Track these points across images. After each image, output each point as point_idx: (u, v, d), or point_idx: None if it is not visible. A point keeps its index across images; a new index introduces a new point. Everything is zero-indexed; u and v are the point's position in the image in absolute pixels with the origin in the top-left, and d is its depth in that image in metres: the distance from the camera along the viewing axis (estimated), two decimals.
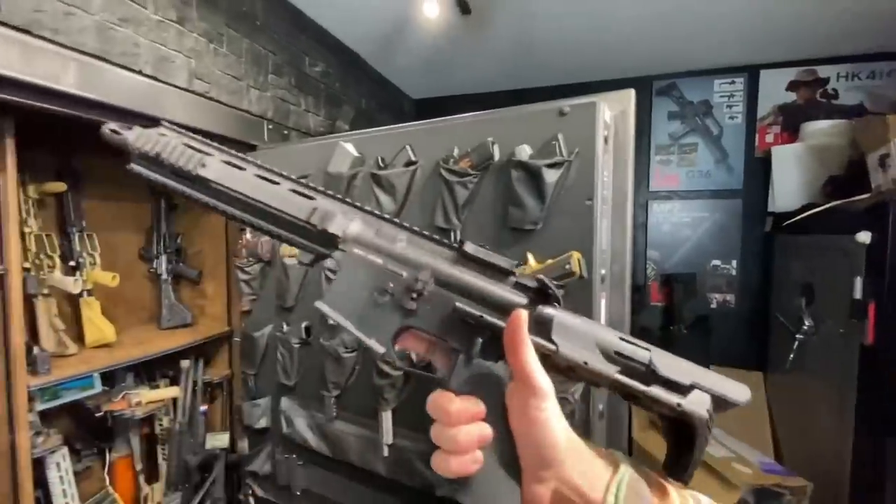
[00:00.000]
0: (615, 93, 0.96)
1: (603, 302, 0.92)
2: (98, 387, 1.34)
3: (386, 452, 1.12)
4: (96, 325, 1.37)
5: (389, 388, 1.10)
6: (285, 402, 1.34)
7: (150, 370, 1.58)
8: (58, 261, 1.31)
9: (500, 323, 0.36)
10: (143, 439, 1.57)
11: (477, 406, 0.35)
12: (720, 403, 0.35)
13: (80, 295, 1.35)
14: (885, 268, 1.44)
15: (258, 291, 1.42)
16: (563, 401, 0.88)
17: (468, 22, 1.96)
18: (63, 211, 1.38)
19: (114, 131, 0.43)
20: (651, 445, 2.01)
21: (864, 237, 1.49)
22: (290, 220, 0.41)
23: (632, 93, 0.95)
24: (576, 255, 0.86)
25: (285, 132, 1.81)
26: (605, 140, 0.91)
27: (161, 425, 1.59)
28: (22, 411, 1.05)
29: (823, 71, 2.37)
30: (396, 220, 0.41)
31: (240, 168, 0.42)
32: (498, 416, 0.35)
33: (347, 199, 0.42)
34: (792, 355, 1.95)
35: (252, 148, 1.57)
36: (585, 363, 0.35)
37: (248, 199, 0.41)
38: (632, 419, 2.15)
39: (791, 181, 2.23)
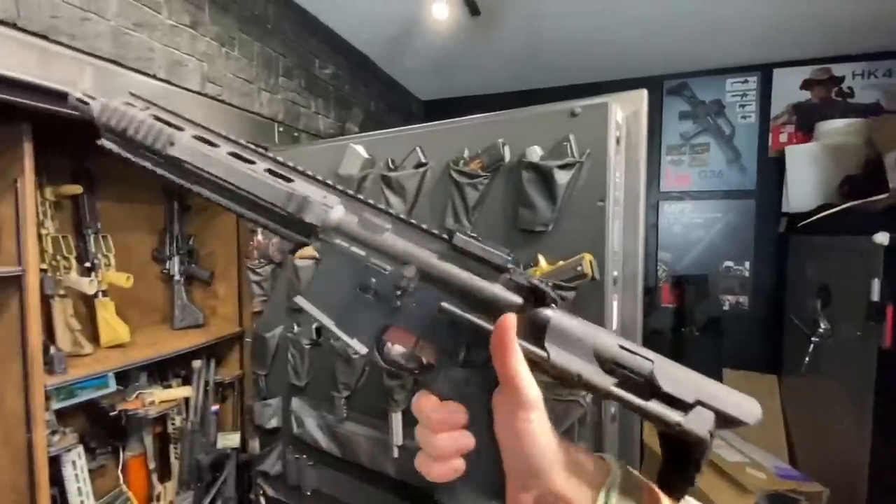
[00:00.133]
0: (627, 93, 0.95)
1: (615, 304, 0.91)
2: (112, 386, 1.36)
3: (396, 454, 1.12)
4: (111, 325, 1.39)
5: (399, 390, 1.10)
6: (296, 403, 1.35)
7: (163, 370, 1.60)
8: (74, 262, 1.33)
9: (488, 326, 0.33)
10: (155, 438, 1.58)
11: (459, 415, 0.33)
12: (727, 421, 0.32)
13: (95, 295, 1.37)
14: None
15: (269, 292, 1.43)
16: (574, 404, 0.87)
17: (477, 23, 1.96)
18: (79, 213, 1.40)
19: (80, 100, 0.39)
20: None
21: (882, 238, 1.46)
22: (265, 205, 0.37)
23: (644, 93, 0.94)
24: (587, 256, 0.85)
25: (295, 134, 1.83)
26: (617, 141, 0.90)
27: (174, 424, 1.60)
28: (39, 410, 1.07)
29: (838, 69, 2.33)
30: (381, 206, 0.37)
31: (212, 144, 0.38)
32: (482, 424, 0.33)
33: (329, 182, 0.38)
34: (807, 358, 1.92)
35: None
36: (579, 376, 0.32)
37: (220, 181, 0.37)
38: (642, 423, 2.13)
39: (806, 181, 2.19)
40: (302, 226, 0.37)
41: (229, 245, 1.75)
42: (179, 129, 0.38)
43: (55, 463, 1.20)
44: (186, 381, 1.62)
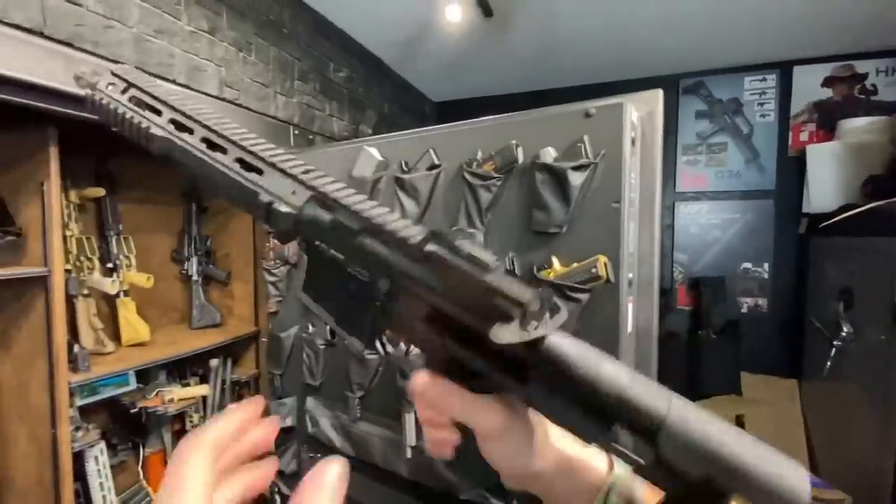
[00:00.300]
0: (642, 93, 0.94)
1: (630, 306, 0.90)
2: (133, 384, 1.39)
3: (409, 454, 1.13)
4: (132, 324, 1.42)
5: None
6: (311, 403, 1.36)
7: (182, 368, 1.63)
8: (97, 263, 1.36)
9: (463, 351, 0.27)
10: (174, 435, 1.62)
11: (443, 418, 0.31)
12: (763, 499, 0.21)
13: (117, 295, 1.41)
14: None
15: (284, 293, 1.45)
16: None
17: (490, 24, 1.96)
18: (101, 215, 1.44)
19: (83, 80, 0.38)
20: None
21: None
22: (240, 201, 0.34)
23: (659, 93, 0.93)
24: (602, 258, 0.85)
25: (310, 137, 1.85)
26: (633, 141, 0.90)
27: (192, 422, 1.63)
28: (64, 406, 1.10)
29: (861, 66, 2.27)
30: (356, 204, 0.32)
31: (188, 130, 0.35)
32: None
33: (302, 173, 0.34)
34: (829, 362, 1.87)
35: None
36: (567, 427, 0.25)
37: (196, 175, 0.34)
38: None
39: (827, 181, 2.14)
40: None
41: (246, 246, 1.78)
42: (157, 112, 0.36)
43: (78, 458, 1.24)
44: (204, 380, 1.65)
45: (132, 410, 1.40)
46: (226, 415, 0.26)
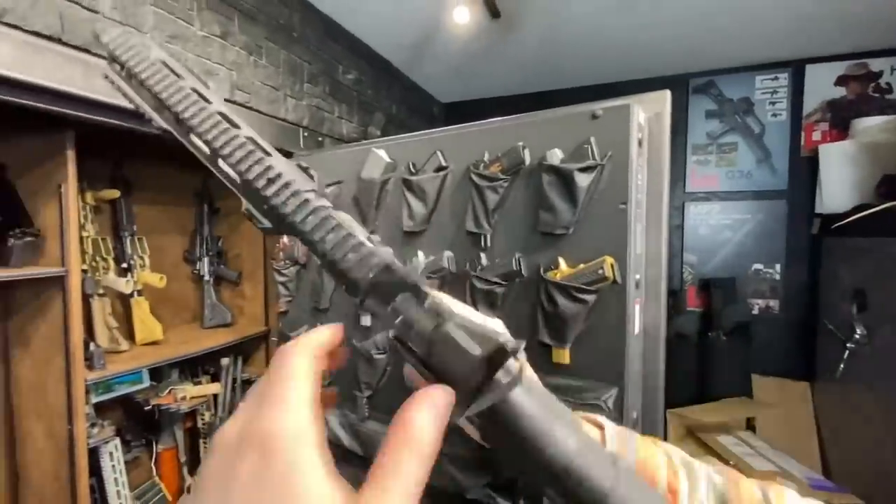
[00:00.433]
0: (649, 94, 0.94)
1: (637, 308, 0.90)
2: (146, 382, 1.42)
3: None
4: (145, 323, 1.45)
5: None
6: None
7: (193, 367, 1.66)
8: (112, 263, 1.40)
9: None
10: (186, 433, 1.65)
11: None
12: None
13: (131, 295, 1.44)
14: None
15: (294, 293, 1.47)
16: (594, 408, 0.87)
17: (498, 25, 1.96)
18: (116, 216, 1.48)
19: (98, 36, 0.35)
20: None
21: None
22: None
23: (667, 94, 0.93)
24: (609, 259, 0.85)
25: (320, 139, 1.87)
26: (640, 143, 0.90)
27: (203, 420, 1.66)
28: (80, 403, 1.13)
29: (876, 64, 2.24)
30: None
31: (206, 100, 0.33)
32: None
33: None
34: (842, 365, 1.85)
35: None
36: None
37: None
38: (667, 428, 2.09)
39: (841, 181, 2.11)
40: None
41: (256, 247, 1.80)
42: (179, 76, 0.34)
43: (94, 454, 1.26)
44: (215, 378, 1.68)
45: (145, 408, 1.42)
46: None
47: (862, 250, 1.88)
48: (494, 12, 1.83)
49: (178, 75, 0.33)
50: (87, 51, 1.03)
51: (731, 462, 1.78)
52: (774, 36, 2.12)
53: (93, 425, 1.26)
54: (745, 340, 2.42)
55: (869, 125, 2.08)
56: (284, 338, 1.47)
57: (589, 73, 2.57)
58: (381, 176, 1.20)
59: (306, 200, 0.28)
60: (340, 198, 1.29)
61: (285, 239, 1.45)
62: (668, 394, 0.99)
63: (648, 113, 0.93)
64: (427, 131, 1.17)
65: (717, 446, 1.91)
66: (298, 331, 1.43)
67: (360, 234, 0.28)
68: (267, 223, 0.30)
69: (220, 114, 0.32)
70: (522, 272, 0.98)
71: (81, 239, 1.30)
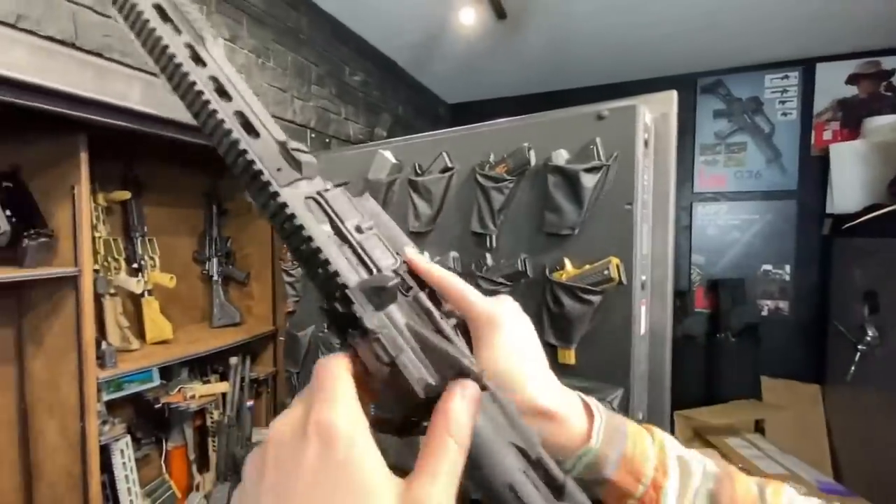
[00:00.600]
0: (656, 95, 0.94)
1: (643, 309, 0.90)
2: (157, 380, 1.44)
3: None
4: (155, 322, 1.47)
5: None
6: None
7: (203, 366, 1.68)
8: (123, 263, 1.42)
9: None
10: (195, 431, 1.66)
11: None
12: None
13: (142, 295, 1.46)
14: None
15: (301, 293, 1.48)
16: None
17: (504, 26, 1.96)
18: (127, 217, 1.50)
19: None
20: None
21: None
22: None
23: (673, 94, 0.93)
24: (614, 260, 0.85)
25: (327, 140, 1.88)
26: (646, 143, 0.90)
27: (212, 418, 1.68)
28: (92, 401, 1.15)
29: (888, 62, 2.21)
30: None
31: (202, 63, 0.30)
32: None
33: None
34: (853, 367, 1.82)
35: None
36: None
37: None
38: (674, 430, 2.07)
39: (852, 181, 2.09)
40: None
41: (264, 247, 1.82)
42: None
43: (105, 451, 1.28)
44: (224, 377, 1.70)
45: (156, 406, 1.44)
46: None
47: (874, 251, 1.86)
48: (500, 13, 1.84)
49: (175, 27, 0.30)
50: (99, 55, 1.05)
51: (739, 465, 1.77)
52: (784, 34, 2.10)
53: (104, 423, 1.28)
54: (753, 342, 2.40)
55: (881, 124, 2.06)
56: (292, 337, 1.48)
57: (596, 72, 2.56)
58: (388, 177, 1.21)
59: (281, 205, 0.27)
60: None
61: None
62: (676, 395, 0.99)
63: (655, 113, 0.93)
64: (433, 132, 1.18)
65: (725, 448, 1.90)
66: (306, 331, 1.44)
67: (340, 243, 0.27)
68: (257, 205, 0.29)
69: (213, 79, 0.29)
70: (528, 273, 0.98)
71: (94, 239, 1.32)
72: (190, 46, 0.30)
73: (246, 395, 1.71)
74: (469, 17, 1.80)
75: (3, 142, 1.15)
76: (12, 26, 0.90)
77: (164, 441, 1.56)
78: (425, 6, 1.86)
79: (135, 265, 1.47)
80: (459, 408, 0.22)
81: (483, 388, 0.25)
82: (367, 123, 2.20)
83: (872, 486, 1.66)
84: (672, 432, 1.05)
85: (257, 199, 0.28)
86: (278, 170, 0.28)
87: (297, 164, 0.28)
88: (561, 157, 0.92)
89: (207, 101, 0.28)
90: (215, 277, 1.78)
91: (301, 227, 0.27)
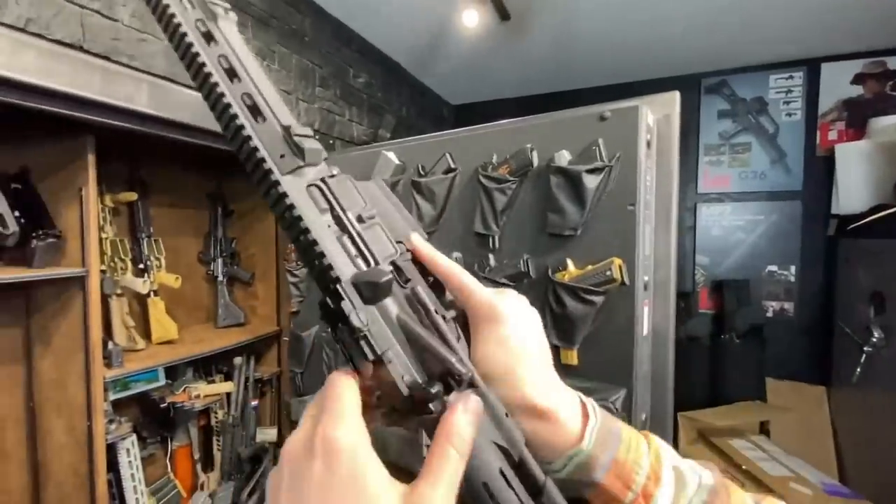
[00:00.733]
0: (659, 95, 0.94)
1: (646, 310, 0.90)
2: (162, 380, 1.45)
3: (425, 453, 1.15)
4: (161, 323, 1.49)
5: None
6: None
7: (207, 366, 1.69)
8: (129, 263, 1.43)
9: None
10: (200, 430, 1.68)
11: None
12: None
13: (148, 295, 1.47)
14: None
15: (305, 293, 1.49)
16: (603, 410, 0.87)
17: (507, 27, 1.97)
18: (134, 218, 1.51)
19: None
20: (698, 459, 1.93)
21: None
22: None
23: (676, 95, 0.93)
24: (617, 261, 0.85)
25: (331, 142, 1.89)
26: (648, 144, 0.90)
27: (216, 418, 1.69)
28: (99, 400, 1.16)
29: (894, 62, 2.19)
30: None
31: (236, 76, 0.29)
32: None
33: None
34: (859, 369, 1.81)
35: None
36: None
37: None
38: (679, 432, 2.07)
39: (858, 181, 2.08)
40: None
41: (269, 248, 1.83)
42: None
43: (111, 450, 1.29)
44: (228, 377, 1.71)
45: (161, 405, 1.45)
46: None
47: (879, 252, 1.85)
48: (504, 15, 1.84)
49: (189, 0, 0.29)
50: (107, 58, 1.06)
51: (744, 466, 1.76)
52: (789, 34, 2.09)
53: (111, 422, 1.29)
54: (758, 343, 2.38)
55: (887, 124, 2.05)
56: (296, 337, 1.49)
57: (599, 73, 2.56)
58: (391, 178, 1.22)
59: (281, 194, 0.27)
60: None
61: None
62: (680, 397, 0.99)
63: (657, 114, 0.93)
64: (436, 134, 1.19)
65: (729, 450, 1.89)
66: (310, 331, 1.45)
67: (339, 232, 0.27)
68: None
69: (222, 58, 0.29)
70: (530, 273, 0.98)
71: (101, 240, 1.34)
72: (202, 22, 0.29)
73: (250, 394, 1.72)
74: (472, 19, 1.81)
75: (13, 144, 1.17)
76: (22, 30, 0.92)
77: (169, 440, 1.57)
78: (428, 8, 1.86)
79: (141, 266, 1.49)
80: (462, 421, 0.24)
81: (472, 385, 0.26)
82: (371, 125, 2.21)
83: (878, 488, 1.65)
84: (675, 434, 1.04)
85: (259, 187, 0.28)
86: (281, 156, 0.28)
87: (300, 151, 0.28)
88: (563, 157, 0.93)
89: (216, 84, 0.28)
90: (220, 278, 1.79)
91: (299, 219, 0.27)
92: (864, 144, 2.08)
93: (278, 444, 1.76)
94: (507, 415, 0.27)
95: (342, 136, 1.98)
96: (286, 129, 0.28)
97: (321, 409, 0.24)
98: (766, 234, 2.45)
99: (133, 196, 1.44)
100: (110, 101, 1.04)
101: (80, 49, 1.02)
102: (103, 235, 1.36)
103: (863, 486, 1.74)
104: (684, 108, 0.94)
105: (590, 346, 0.91)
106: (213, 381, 1.67)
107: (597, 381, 0.89)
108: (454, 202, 1.11)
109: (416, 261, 0.30)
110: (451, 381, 0.25)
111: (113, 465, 1.31)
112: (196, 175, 1.71)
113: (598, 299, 0.87)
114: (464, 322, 0.30)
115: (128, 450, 1.35)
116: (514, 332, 0.29)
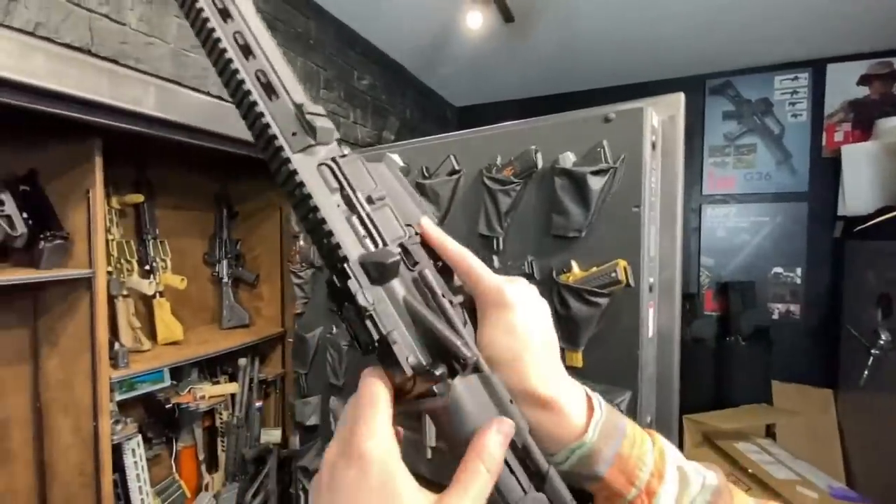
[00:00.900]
0: (663, 97, 0.94)
1: (651, 311, 0.90)
2: (167, 380, 1.46)
3: (429, 455, 1.15)
4: (167, 324, 1.49)
5: None
6: (334, 402, 1.40)
7: (212, 367, 1.70)
8: (135, 265, 1.44)
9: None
10: (205, 431, 1.68)
11: None
12: None
13: (153, 296, 1.48)
14: None
15: (310, 295, 1.49)
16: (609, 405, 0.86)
17: (511, 29, 1.97)
18: (140, 220, 1.52)
19: None
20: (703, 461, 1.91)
21: None
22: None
23: (681, 97, 0.93)
24: (622, 262, 0.85)
25: None
26: (653, 146, 0.89)
27: (221, 419, 1.70)
28: (105, 400, 1.17)
29: None
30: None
31: (250, 53, 0.29)
32: None
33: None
34: (866, 372, 1.80)
35: None
36: None
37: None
38: (684, 435, 2.05)
39: (864, 182, 2.06)
40: None
41: (273, 249, 1.84)
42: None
43: (117, 450, 1.30)
44: (233, 378, 1.72)
45: (166, 406, 1.46)
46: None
47: (886, 254, 1.83)
48: (508, 16, 1.84)
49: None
50: (115, 61, 1.07)
51: (750, 470, 1.75)
52: (794, 35, 2.08)
53: (116, 422, 1.30)
54: (764, 345, 2.37)
55: (893, 125, 2.03)
56: (300, 339, 1.49)
57: (603, 74, 2.56)
58: None
59: (292, 171, 0.27)
60: None
61: (302, 242, 1.48)
62: (685, 399, 0.98)
63: (662, 116, 0.93)
64: (440, 135, 1.19)
65: (735, 454, 1.87)
66: (314, 332, 1.45)
67: (351, 212, 0.27)
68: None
69: (238, 34, 0.29)
70: (535, 275, 0.98)
71: (107, 242, 1.35)
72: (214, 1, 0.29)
73: (255, 395, 1.72)
74: (476, 21, 1.81)
75: (21, 146, 1.18)
76: (31, 34, 0.93)
77: (174, 441, 1.58)
78: (432, 10, 1.87)
79: (147, 267, 1.50)
80: (494, 441, 0.25)
81: (476, 370, 0.26)
82: (375, 127, 2.22)
83: (886, 491, 1.63)
84: (681, 437, 1.04)
85: (270, 164, 0.28)
86: (293, 134, 0.28)
87: (312, 130, 0.28)
88: (568, 159, 0.93)
89: (230, 60, 0.28)
90: (225, 279, 1.80)
91: (308, 197, 0.27)
92: (870, 146, 2.06)
93: (282, 445, 1.76)
94: (511, 402, 0.27)
95: (346, 139, 1.99)
96: (299, 107, 0.28)
97: (355, 418, 0.25)
98: (772, 236, 2.43)
99: (140, 198, 1.45)
100: (118, 103, 1.05)
101: (89, 52, 1.03)
102: (110, 237, 1.37)
103: (870, 490, 1.73)
104: (689, 109, 0.93)
105: (595, 348, 0.91)
106: (217, 382, 1.67)
107: (602, 383, 0.89)
108: (458, 204, 1.12)
109: (426, 244, 0.30)
110: (456, 364, 0.25)
111: (118, 466, 1.32)
112: (201, 177, 1.72)
113: (603, 301, 0.87)
114: (471, 308, 0.30)
115: (133, 450, 1.35)
116: (522, 320, 0.29)
